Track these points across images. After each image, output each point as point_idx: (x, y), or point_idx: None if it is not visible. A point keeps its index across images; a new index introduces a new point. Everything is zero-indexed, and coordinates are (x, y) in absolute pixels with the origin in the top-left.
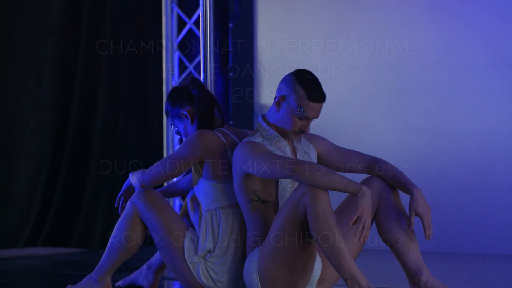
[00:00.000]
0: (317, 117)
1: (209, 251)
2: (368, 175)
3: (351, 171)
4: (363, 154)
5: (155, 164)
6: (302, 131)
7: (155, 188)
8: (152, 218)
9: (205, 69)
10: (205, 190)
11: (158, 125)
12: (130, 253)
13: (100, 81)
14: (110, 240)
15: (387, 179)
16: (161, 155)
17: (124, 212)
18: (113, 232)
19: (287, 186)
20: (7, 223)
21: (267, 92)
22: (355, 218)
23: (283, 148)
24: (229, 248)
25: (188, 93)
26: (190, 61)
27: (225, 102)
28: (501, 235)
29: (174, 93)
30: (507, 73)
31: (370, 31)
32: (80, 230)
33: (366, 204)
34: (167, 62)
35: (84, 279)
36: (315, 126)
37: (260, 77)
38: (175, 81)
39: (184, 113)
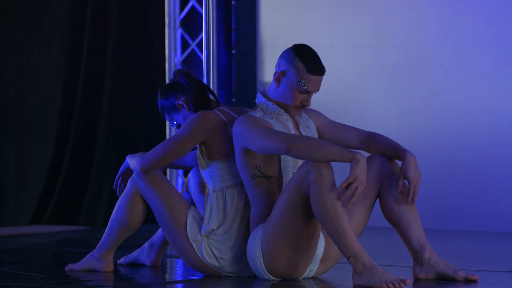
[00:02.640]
0: (317, 91)
1: (213, 230)
2: (366, 152)
3: (348, 146)
4: (359, 129)
5: (156, 147)
6: (304, 106)
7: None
8: (154, 196)
9: (208, 46)
10: (210, 171)
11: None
12: (131, 231)
13: (106, 61)
14: (111, 218)
15: (383, 148)
16: (164, 134)
17: (125, 190)
18: (114, 210)
19: (289, 161)
20: (13, 201)
21: (270, 69)
22: (344, 184)
23: (285, 121)
24: (233, 225)
25: (177, 83)
26: (193, 39)
27: (228, 79)
28: (502, 212)
29: (164, 89)
30: (509, 51)
31: (374, 9)
32: (86, 208)
33: (359, 172)
34: (169, 40)
35: (86, 257)
36: (318, 103)
37: (263, 54)
38: (177, 59)
39: (180, 103)
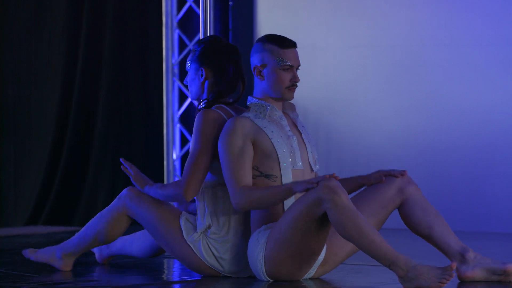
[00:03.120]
0: (299, 64)
1: (209, 227)
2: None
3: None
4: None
5: (185, 172)
6: (295, 84)
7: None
8: (144, 213)
9: None
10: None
11: (158, 104)
12: (104, 244)
13: (103, 62)
14: (87, 225)
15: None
16: (162, 135)
17: (111, 206)
18: (94, 221)
19: (287, 158)
20: (10, 202)
21: None
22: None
23: (278, 120)
24: (230, 224)
25: (222, 59)
26: (190, 39)
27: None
28: (500, 212)
29: (212, 47)
30: (508, 51)
31: (370, 9)
32: (83, 208)
33: (301, 188)
34: (167, 41)
35: (47, 250)
36: (315, 102)
37: None
38: (174, 59)
39: (203, 72)
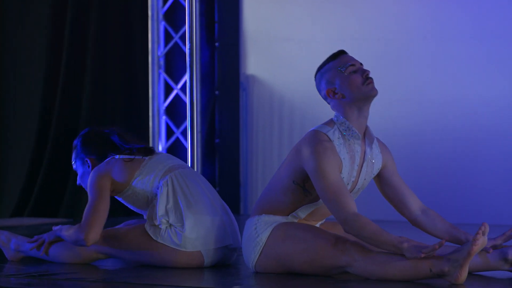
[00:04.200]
0: (360, 64)
1: (162, 215)
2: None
3: (404, 207)
4: (416, 198)
5: (85, 217)
6: (368, 76)
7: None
8: (113, 253)
9: (191, 39)
10: (138, 186)
11: (144, 96)
12: None
13: (87, 54)
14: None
15: (447, 226)
16: (147, 128)
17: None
18: (63, 251)
19: None
20: None
21: (253, 62)
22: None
23: (354, 152)
24: (189, 206)
25: (103, 142)
26: (176, 32)
27: (211, 72)
28: (487, 204)
29: (90, 136)
30: (492, 44)
31: (357, 3)
32: (67, 200)
33: (413, 254)
34: (152, 33)
35: (9, 234)
36: (302, 96)
37: (247, 47)
38: (160, 52)
39: (89, 163)
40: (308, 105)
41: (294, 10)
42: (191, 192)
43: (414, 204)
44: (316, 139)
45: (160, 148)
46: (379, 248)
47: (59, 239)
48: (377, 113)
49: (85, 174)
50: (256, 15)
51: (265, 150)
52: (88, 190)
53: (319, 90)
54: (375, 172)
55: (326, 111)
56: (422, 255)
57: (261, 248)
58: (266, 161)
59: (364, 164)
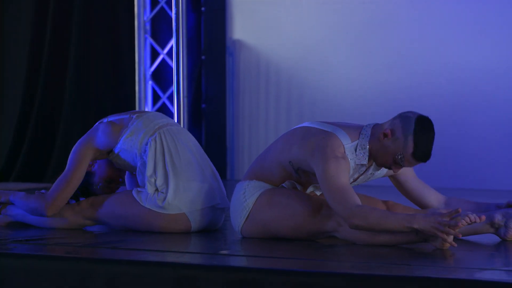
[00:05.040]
0: (410, 167)
1: (150, 175)
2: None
3: (426, 205)
4: (437, 192)
5: (53, 188)
6: (390, 170)
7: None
8: (102, 218)
9: (177, 4)
10: (127, 142)
11: (130, 61)
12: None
13: (72, 17)
14: (32, 216)
15: (471, 205)
16: (133, 90)
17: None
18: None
19: None
20: None
21: (239, 27)
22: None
23: (355, 172)
24: (175, 172)
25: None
26: None
27: (197, 37)
28: (473, 169)
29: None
30: (478, 8)
31: None
32: (53, 165)
33: (425, 229)
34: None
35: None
36: (289, 60)
37: (233, 12)
38: (146, 16)
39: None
40: (295, 69)
41: None
42: (179, 155)
43: (435, 200)
44: (334, 151)
45: None
46: (392, 233)
47: (8, 203)
48: (361, 78)
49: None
50: None
51: (252, 115)
52: (68, 160)
53: (398, 119)
54: (372, 178)
55: (312, 75)
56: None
57: (248, 213)
58: (253, 126)
59: (362, 176)
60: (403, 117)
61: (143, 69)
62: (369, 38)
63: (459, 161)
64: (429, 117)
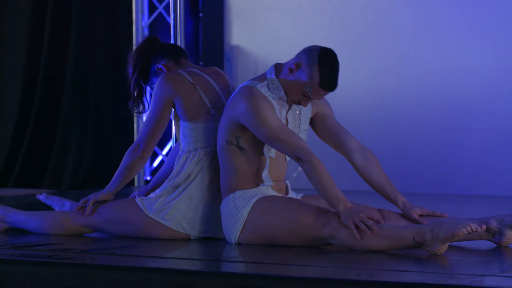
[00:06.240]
0: (319, 99)
1: (171, 193)
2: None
3: (345, 151)
4: (358, 141)
5: (140, 131)
6: (300, 104)
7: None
8: (101, 225)
9: (175, 9)
10: (183, 131)
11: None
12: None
13: (71, 24)
14: (42, 217)
15: (381, 177)
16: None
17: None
18: (48, 222)
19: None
20: None
21: (237, 32)
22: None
23: (280, 107)
24: (194, 183)
25: (158, 48)
26: (160, 2)
27: (195, 42)
28: (472, 175)
29: (141, 54)
30: (475, 14)
31: None
32: (51, 171)
33: (345, 221)
34: (136, 3)
35: None
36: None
37: (231, 17)
38: (144, 22)
39: (160, 67)
40: None
41: None
42: (206, 180)
43: (352, 144)
44: (250, 91)
45: (144, 118)
46: (321, 195)
47: (104, 198)
48: (358, 83)
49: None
50: None
51: None
52: (152, 97)
53: (301, 53)
54: (304, 122)
55: None
56: (352, 226)
57: (243, 223)
58: None
59: (290, 114)
60: (307, 50)
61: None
62: (367, 44)
63: (456, 167)
64: (333, 50)
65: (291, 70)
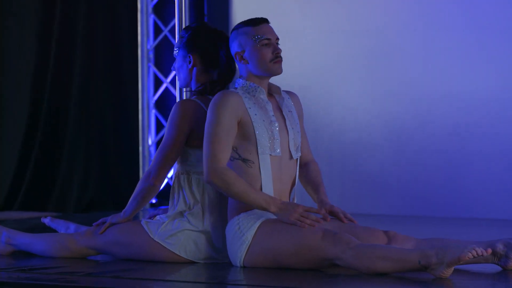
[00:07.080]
0: (276, 37)
1: (182, 213)
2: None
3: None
4: (309, 148)
5: (155, 157)
6: (278, 54)
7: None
8: (106, 247)
9: (180, 32)
10: (183, 157)
11: (133, 90)
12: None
13: (76, 46)
14: (47, 239)
15: (307, 180)
16: (137, 121)
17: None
18: (55, 244)
19: (266, 144)
20: None
21: None
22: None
23: (264, 104)
24: (204, 213)
25: (210, 46)
26: (165, 25)
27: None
28: (478, 198)
29: (199, 34)
30: (483, 38)
31: None
32: (57, 194)
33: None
34: (142, 26)
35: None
36: (290, 88)
37: None
38: (150, 45)
39: (191, 59)
40: (301, 99)
41: (284, 2)
42: (211, 202)
43: (304, 153)
44: (219, 93)
45: (150, 142)
46: (249, 205)
47: (120, 222)
48: (365, 107)
49: (183, 67)
50: (245, 9)
51: None
52: (167, 123)
53: (230, 47)
54: (297, 120)
55: (315, 104)
56: (297, 223)
57: (248, 246)
58: None
59: (284, 113)
60: (229, 44)
61: (147, 98)
62: (373, 67)
63: (462, 191)
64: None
65: (241, 58)
